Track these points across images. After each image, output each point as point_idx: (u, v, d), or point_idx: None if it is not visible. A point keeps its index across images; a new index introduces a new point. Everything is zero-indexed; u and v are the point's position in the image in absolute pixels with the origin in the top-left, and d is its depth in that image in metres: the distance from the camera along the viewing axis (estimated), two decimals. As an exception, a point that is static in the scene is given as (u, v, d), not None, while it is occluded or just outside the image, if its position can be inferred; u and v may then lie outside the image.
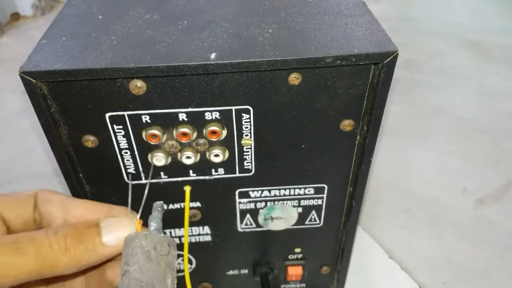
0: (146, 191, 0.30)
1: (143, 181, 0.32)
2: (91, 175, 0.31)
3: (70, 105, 0.27)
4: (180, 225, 0.36)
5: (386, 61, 0.26)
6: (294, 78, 0.27)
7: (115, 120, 0.28)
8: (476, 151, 0.66)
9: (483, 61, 0.87)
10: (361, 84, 0.28)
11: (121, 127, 0.28)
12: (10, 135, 0.70)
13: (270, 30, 0.28)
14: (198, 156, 0.31)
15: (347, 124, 0.30)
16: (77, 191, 0.31)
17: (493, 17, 1.04)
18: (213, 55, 0.25)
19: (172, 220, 0.35)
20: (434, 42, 0.94)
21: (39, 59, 0.25)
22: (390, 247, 0.51)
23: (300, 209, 0.36)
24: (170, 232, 0.36)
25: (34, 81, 0.24)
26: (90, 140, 0.29)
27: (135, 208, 0.29)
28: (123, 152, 0.30)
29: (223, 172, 0.32)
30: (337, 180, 0.34)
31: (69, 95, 0.26)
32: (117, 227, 0.26)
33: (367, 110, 0.29)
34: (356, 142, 0.31)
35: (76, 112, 0.27)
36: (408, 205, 0.57)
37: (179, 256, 0.38)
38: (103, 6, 0.31)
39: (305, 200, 0.35)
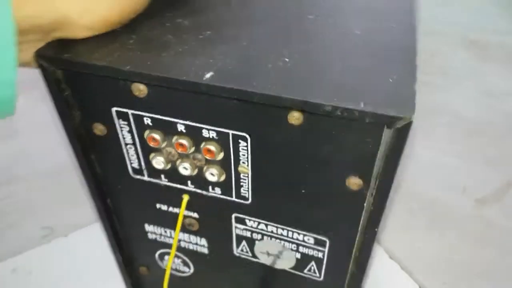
0: None
1: (145, 177, 0.32)
2: (102, 159, 0.32)
3: (81, 93, 0.28)
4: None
5: (397, 126, 0.21)
6: (295, 118, 0.24)
7: (121, 115, 0.29)
8: (476, 151, 0.66)
9: (483, 61, 0.88)
10: (371, 142, 0.23)
11: (126, 123, 0.29)
12: (10, 135, 0.70)
13: (287, 59, 0.25)
14: (196, 170, 0.30)
15: (353, 182, 0.26)
16: (86, 172, 0.32)
17: (493, 17, 1.05)
18: (208, 75, 0.24)
19: (171, 222, 0.35)
20: (434, 42, 0.93)
21: (57, 45, 0.26)
22: (390, 247, 0.52)
23: (298, 255, 0.33)
24: (170, 233, 0.36)
25: (46, 64, 0.26)
26: (99, 128, 0.30)
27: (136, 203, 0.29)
28: (128, 146, 0.30)
29: (219, 192, 0.31)
30: (340, 239, 0.30)
31: (80, 83, 0.28)
32: None
33: (378, 172, 0.24)
34: (365, 204, 0.27)
35: (87, 100, 0.29)
36: (408, 205, 0.57)
37: (167, 254, 0.38)
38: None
39: (304, 248, 0.32)
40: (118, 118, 0.29)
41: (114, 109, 0.28)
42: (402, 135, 0.21)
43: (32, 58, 0.25)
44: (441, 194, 0.59)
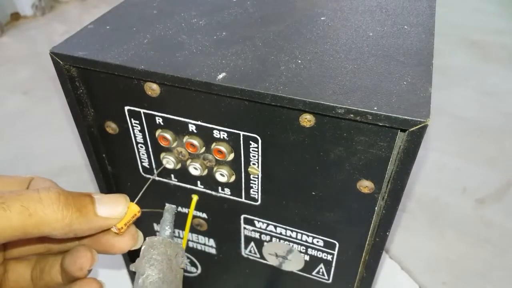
0: (146, 185, 0.29)
1: (153, 176, 0.32)
2: (113, 158, 0.33)
3: (95, 91, 0.28)
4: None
5: (411, 129, 0.21)
6: (306, 120, 0.24)
7: (133, 114, 0.29)
8: (476, 151, 0.66)
9: (483, 61, 0.88)
10: (384, 146, 0.23)
11: (138, 122, 0.29)
12: (10, 135, 0.69)
13: (300, 61, 0.25)
14: (206, 170, 0.30)
15: (365, 186, 0.26)
16: (97, 170, 0.33)
17: (493, 17, 1.05)
18: (221, 75, 0.24)
19: (179, 222, 0.35)
20: (434, 42, 0.94)
21: (74, 42, 0.27)
22: (390, 247, 0.52)
23: (307, 257, 0.32)
24: (178, 233, 0.36)
25: (61, 62, 0.26)
26: (111, 127, 0.30)
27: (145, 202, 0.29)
28: (139, 145, 0.31)
29: (229, 192, 0.31)
30: (350, 241, 0.30)
31: (94, 81, 0.28)
32: (110, 201, 0.24)
33: (390, 175, 0.24)
34: (376, 208, 0.27)
35: (100, 98, 0.29)
36: (408, 205, 0.57)
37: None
38: (164, 1, 0.32)
39: (313, 250, 0.32)
40: (130, 117, 0.29)
41: (126, 108, 0.28)
42: (416, 138, 0.21)
43: None
44: (441, 194, 0.59)
